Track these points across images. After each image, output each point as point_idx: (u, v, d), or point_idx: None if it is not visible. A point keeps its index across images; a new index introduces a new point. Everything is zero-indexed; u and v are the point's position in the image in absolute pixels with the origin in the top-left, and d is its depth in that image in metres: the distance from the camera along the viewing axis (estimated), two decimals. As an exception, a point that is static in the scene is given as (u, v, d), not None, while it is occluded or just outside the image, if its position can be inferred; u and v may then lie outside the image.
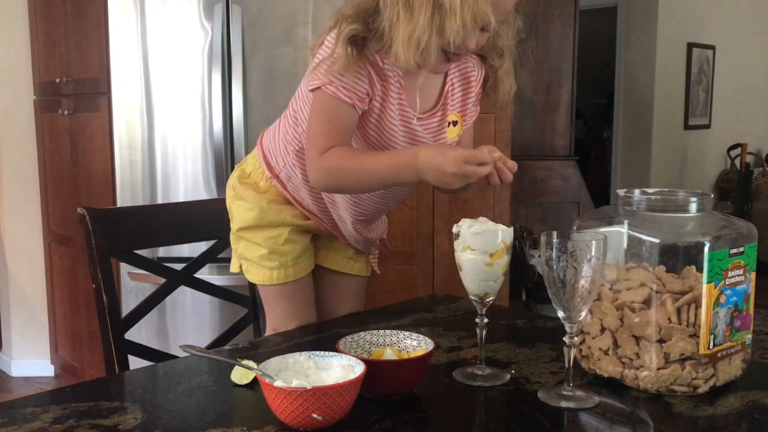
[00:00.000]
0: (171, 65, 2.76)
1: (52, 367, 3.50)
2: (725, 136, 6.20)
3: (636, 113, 5.65)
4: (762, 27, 6.58)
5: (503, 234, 1.04)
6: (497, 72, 1.34)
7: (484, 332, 1.07)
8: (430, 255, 2.90)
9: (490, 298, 1.07)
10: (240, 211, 1.46)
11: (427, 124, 1.31)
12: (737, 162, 5.92)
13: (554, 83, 3.80)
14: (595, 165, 6.51)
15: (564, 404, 0.97)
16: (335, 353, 0.97)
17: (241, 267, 1.49)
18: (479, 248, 1.03)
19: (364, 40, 1.20)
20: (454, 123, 1.35)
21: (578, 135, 6.27)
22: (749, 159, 6.10)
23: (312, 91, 1.24)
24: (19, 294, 3.51)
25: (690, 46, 5.82)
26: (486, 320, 1.07)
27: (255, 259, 1.44)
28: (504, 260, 1.05)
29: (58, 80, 3.13)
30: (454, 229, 1.06)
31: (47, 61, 3.25)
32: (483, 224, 1.05)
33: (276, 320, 1.44)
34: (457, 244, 1.06)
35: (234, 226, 1.48)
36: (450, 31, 1.12)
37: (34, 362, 3.50)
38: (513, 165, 1.15)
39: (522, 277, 3.65)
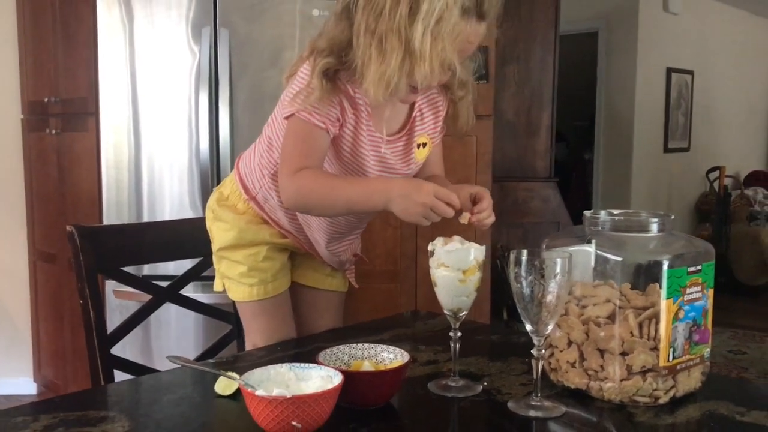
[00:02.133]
0: (159, 86, 2.81)
1: (35, 384, 3.50)
2: (704, 159, 6.33)
3: (616, 136, 5.76)
4: (739, 53, 6.75)
5: (475, 252, 1.10)
6: (458, 103, 1.41)
7: (457, 345, 1.13)
8: (413, 274, 2.95)
9: (463, 313, 1.12)
10: (219, 232, 1.51)
11: (394, 147, 1.37)
12: (716, 184, 6.04)
13: (535, 107, 3.89)
14: (576, 186, 6.61)
15: (532, 413, 1.02)
16: (315, 365, 1.02)
17: (224, 285, 1.54)
18: (453, 265, 1.09)
19: (336, 71, 1.27)
20: (423, 145, 1.41)
21: (560, 157, 6.37)
22: (728, 181, 6.23)
23: (286, 118, 1.30)
24: (2, 312, 3.52)
25: (669, 71, 5.96)
26: (459, 334, 1.12)
27: (235, 276, 1.49)
28: (476, 276, 1.10)
29: (46, 100, 3.17)
30: (430, 247, 1.12)
31: (35, 81, 3.29)
32: (457, 243, 1.10)
33: (255, 335, 1.49)
34: (432, 261, 1.12)
35: (214, 246, 1.53)
36: (419, 75, 1.19)
37: (16, 381, 3.50)
38: (489, 220, 1.22)
39: (503, 297, 3.70)
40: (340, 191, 1.27)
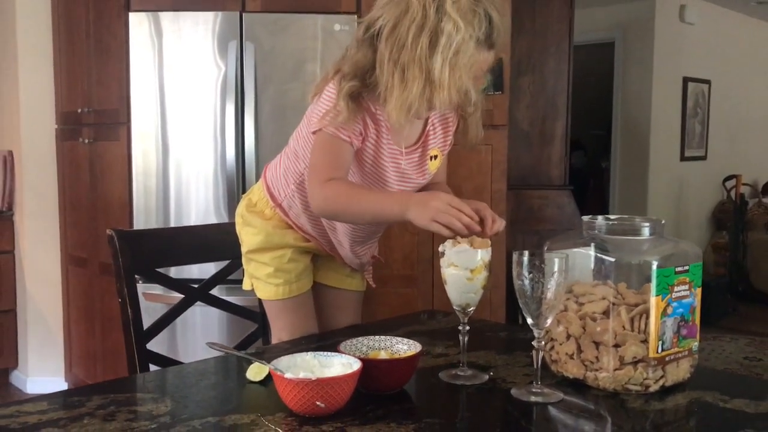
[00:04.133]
0: (187, 98, 2.95)
1: (66, 384, 3.64)
2: (721, 168, 6.36)
3: (633, 145, 5.83)
4: (756, 61, 6.79)
5: (482, 253, 1.21)
6: (468, 119, 1.52)
7: (466, 339, 1.23)
8: (429, 278, 3.05)
9: (471, 309, 1.23)
10: (248, 236, 1.64)
11: (410, 159, 1.49)
12: (733, 193, 6.07)
13: (549, 116, 3.98)
14: (593, 194, 6.67)
15: (533, 399, 1.12)
16: (336, 353, 1.13)
17: (252, 285, 1.67)
18: (461, 265, 1.20)
19: (360, 92, 1.38)
20: (435, 157, 1.54)
21: (578, 165, 6.45)
22: (744, 190, 6.26)
23: (314, 133, 1.43)
24: (36, 314, 3.67)
25: (686, 80, 6.02)
26: (468, 328, 1.23)
27: (263, 277, 1.62)
28: (483, 275, 1.21)
29: (79, 110, 3.32)
30: (440, 248, 1.23)
31: (69, 93, 3.45)
32: (465, 244, 1.21)
33: (281, 331, 1.61)
34: (443, 262, 1.23)
35: (243, 249, 1.66)
36: (437, 102, 1.31)
37: (48, 380, 3.64)
38: (501, 225, 1.30)
39: (519, 303, 3.79)
40: (364, 201, 1.39)
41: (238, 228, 1.69)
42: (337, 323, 1.71)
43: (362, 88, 1.37)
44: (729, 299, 5.50)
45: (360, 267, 1.73)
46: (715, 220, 6.51)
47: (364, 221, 1.52)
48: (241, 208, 1.69)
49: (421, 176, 1.53)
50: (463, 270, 1.19)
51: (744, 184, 6.15)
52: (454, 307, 1.24)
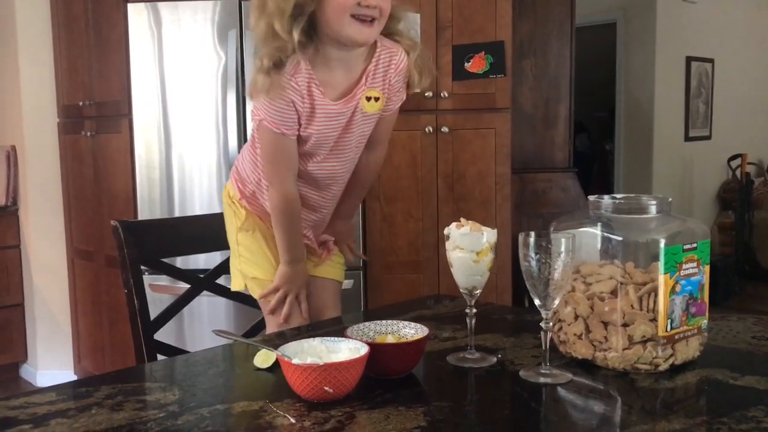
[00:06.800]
0: (188, 88, 2.94)
1: (75, 377, 3.66)
2: (726, 147, 6.33)
3: (637, 126, 5.80)
4: (760, 39, 6.73)
5: (487, 235, 1.20)
6: (410, 63, 1.52)
7: (473, 321, 1.23)
8: (435, 264, 3.05)
9: (478, 291, 1.22)
10: (230, 218, 1.71)
11: (347, 109, 1.49)
12: (738, 172, 6.04)
13: (552, 99, 3.96)
14: (598, 177, 6.65)
15: (542, 380, 1.12)
16: (344, 338, 1.13)
17: (245, 285, 1.69)
18: (467, 247, 1.19)
19: (279, 65, 1.41)
20: (376, 99, 1.51)
21: (582, 148, 6.42)
22: (750, 169, 6.23)
23: (257, 123, 1.50)
24: (43, 307, 3.68)
25: (689, 60, 5.97)
26: (474, 311, 1.23)
27: (259, 275, 1.66)
28: (488, 258, 1.20)
29: (81, 104, 3.31)
30: (446, 231, 1.23)
31: (70, 86, 3.44)
32: (469, 227, 1.21)
33: (277, 327, 1.62)
34: (448, 245, 1.22)
35: (232, 232, 1.70)
36: None
37: (57, 372, 3.66)
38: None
39: (525, 286, 3.78)
40: (282, 229, 1.59)
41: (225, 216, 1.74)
42: (317, 312, 1.72)
43: (281, 54, 1.39)
44: (735, 279, 5.49)
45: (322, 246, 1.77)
46: (720, 199, 6.48)
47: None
48: (224, 197, 1.75)
49: (363, 123, 1.54)
50: (469, 253, 1.19)
51: (749, 163, 6.12)
52: (461, 290, 1.23)
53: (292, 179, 1.56)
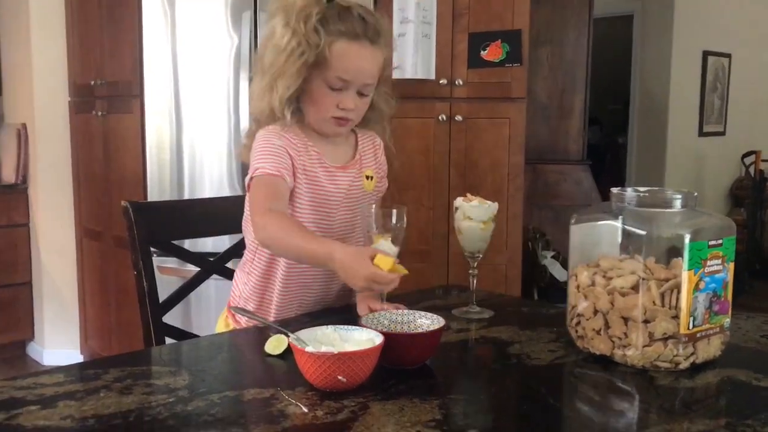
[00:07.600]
0: (200, 69, 2.91)
1: (82, 357, 3.66)
2: (740, 143, 6.26)
3: (651, 119, 5.74)
4: (778, 36, 6.65)
5: (492, 208, 1.42)
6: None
7: (475, 281, 1.43)
8: (444, 253, 3.02)
9: (479, 254, 1.43)
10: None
11: (347, 175, 1.51)
12: (752, 169, 5.98)
13: (568, 90, 3.91)
14: (610, 170, 6.60)
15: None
16: (358, 327, 1.10)
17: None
18: (475, 218, 1.40)
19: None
20: (370, 177, 1.56)
21: (594, 140, 6.36)
22: (764, 166, 6.16)
23: (248, 184, 1.43)
24: (51, 286, 3.68)
25: (705, 54, 5.91)
26: (476, 271, 1.44)
27: None
28: (491, 227, 1.42)
29: (92, 83, 3.29)
30: (456, 203, 1.43)
31: (82, 65, 3.42)
32: (477, 201, 1.43)
33: None
34: (458, 215, 1.42)
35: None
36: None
37: (64, 352, 3.66)
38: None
39: (534, 278, 3.76)
40: (294, 239, 1.31)
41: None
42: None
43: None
44: (746, 277, 5.44)
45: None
46: (732, 196, 6.43)
47: (293, 260, 1.45)
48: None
49: (362, 194, 1.54)
50: (477, 222, 1.40)
51: (763, 161, 6.05)
52: (466, 254, 1.44)
53: (282, 208, 1.44)
